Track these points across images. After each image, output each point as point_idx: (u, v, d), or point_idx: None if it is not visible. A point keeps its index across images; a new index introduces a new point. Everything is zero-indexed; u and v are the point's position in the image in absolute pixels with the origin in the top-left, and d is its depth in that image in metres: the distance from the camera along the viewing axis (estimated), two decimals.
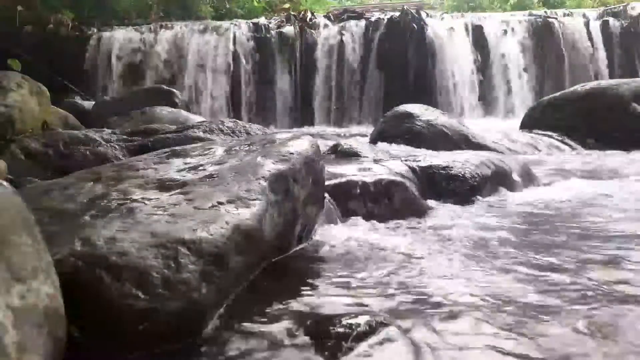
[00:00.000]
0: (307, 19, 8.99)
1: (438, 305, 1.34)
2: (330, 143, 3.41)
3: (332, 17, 9.36)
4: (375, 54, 8.42)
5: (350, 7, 12.32)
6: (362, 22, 8.78)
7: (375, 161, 2.66)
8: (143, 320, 1.12)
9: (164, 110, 4.71)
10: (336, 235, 1.96)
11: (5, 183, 1.00)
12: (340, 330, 1.16)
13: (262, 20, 9.29)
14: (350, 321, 1.18)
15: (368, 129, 6.09)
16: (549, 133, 4.72)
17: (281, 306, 1.32)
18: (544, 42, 8.48)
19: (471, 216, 2.30)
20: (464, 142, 4.08)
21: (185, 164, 1.81)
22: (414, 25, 8.45)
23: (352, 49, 8.56)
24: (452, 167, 2.63)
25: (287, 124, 8.35)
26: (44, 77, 4.73)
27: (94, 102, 6.14)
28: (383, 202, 2.26)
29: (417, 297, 1.39)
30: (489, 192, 2.66)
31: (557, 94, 5.29)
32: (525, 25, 8.60)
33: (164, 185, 1.59)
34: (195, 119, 4.57)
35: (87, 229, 1.29)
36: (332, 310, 1.32)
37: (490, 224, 2.15)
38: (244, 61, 8.55)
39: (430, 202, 2.44)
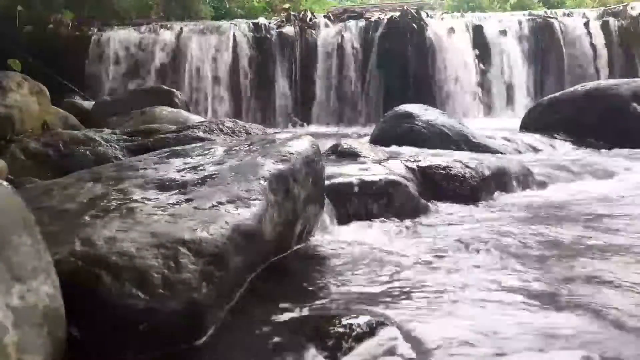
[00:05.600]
0: (307, 19, 8.98)
1: (438, 305, 1.34)
2: (330, 143, 3.41)
3: (332, 17, 9.35)
4: (375, 54, 8.41)
5: (350, 7, 12.29)
6: (362, 22, 8.77)
7: (375, 161, 2.66)
8: (143, 320, 1.12)
9: (164, 110, 4.69)
10: (336, 235, 1.96)
11: (5, 183, 1.00)
12: (340, 330, 1.16)
13: (262, 20, 9.28)
14: (350, 321, 1.18)
15: (368, 129, 6.09)
16: (549, 133, 4.71)
17: (281, 306, 1.32)
18: (544, 42, 8.47)
19: (471, 216, 2.30)
20: (464, 142, 4.07)
21: (185, 164, 1.81)
22: (414, 25, 8.44)
23: (352, 49, 8.55)
24: (452, 168, 2.63)
25: (287, 123, 8.35)
26: (44, 77, 4.73)
27: (94, 102, 6.13)
28: (383, 202, 2.26)
29: (417, 297, 1.39)
30: (488, 192, 2.66)
31: (557, 94, 5.28)
32: (525, 25, 8.59)
33: (164, 185, 1.59)
34: (195, 119, 4.56)
35: (87, 229, 1.29)
36: (332, 310, 1.32)
37: (490, 224, 2.15)
38: (243, 61, 8.55)
39: (430, 203, 2.44)
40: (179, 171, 1.72)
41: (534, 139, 4.61)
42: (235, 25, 8.83)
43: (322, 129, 7.75)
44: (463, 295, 1.40)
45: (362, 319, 1.19)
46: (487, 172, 2.70)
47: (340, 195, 2.18)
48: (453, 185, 2.57)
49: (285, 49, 8.60)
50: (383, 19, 8.73)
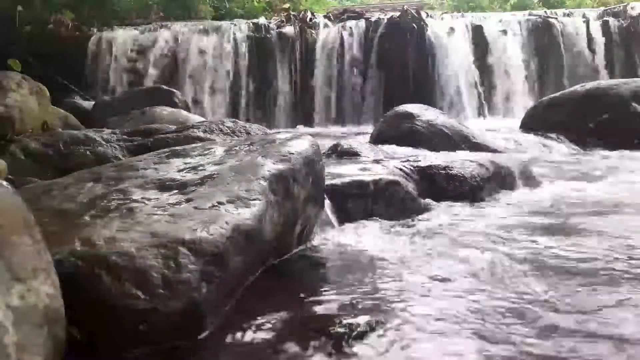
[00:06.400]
0: (307, 19, 8.97)
1: (437, 305, 1.34)
2: (330, 143, 3.41)
3: (332, 17, 9.35)
4: (375, 54, 8.41)
5: (350, 7, 12.31)
6: (362, 22, 8.77)
7: (375, 161, 2.66)
8: (143, 320, 1.12)
9: (164, 110, 4.70)
10: (336, 235, 1.96)
11: (5, 183, 1.00)
12: (340, 330, 1.16)
13: (262, 20, 9.28)
14: (350, 321, 1.19)
15: (368, 129, 6.09)
16: (549, 133, 4.72)
17: (281, 306, 1.32)
18: (544, 42, 8.47)
19: (471, 217, 2.30)
20: (464, 142, 4.07)
21: (185, 164, 1.81)
22: (414, 25, 8.44)
23: (352, 49, 8.55)
24: (451, 168, 2.63)
25: (287, 123, 8.35)
26: (44, 77, 4.73)
27: (94, 102, 6.13)
28: (382, 202, 2.26)
29: (416, 297, 1.39)
30: (488, 192, 2.66)
31: (557, 94, 5.29)
32: (525, 25, 8.59)
33: (164, 185, 1.59)
34: (195, 119, 4.56)
35: (87, 229, 1.29)
36: (332, 310, 1.32)
37: (490, 224, 2.15)
38: (243, 61, 8.55)
39: (430, 203, 2.44)
40: (179, 171, 1.72)
41: (534, 138, 4.62)
42: (235, 25, 8.83)
43: (322, 129, 7.75)
44: (462, 295, 1.40)
45: (362, 319, 1.19)
46: (487, 172, 2.70)
47: (340, 195, 2.18)
48: (453, 185, 2.57)
49: (285, 49, 8.59)
50: (383, 19, 8.73)
